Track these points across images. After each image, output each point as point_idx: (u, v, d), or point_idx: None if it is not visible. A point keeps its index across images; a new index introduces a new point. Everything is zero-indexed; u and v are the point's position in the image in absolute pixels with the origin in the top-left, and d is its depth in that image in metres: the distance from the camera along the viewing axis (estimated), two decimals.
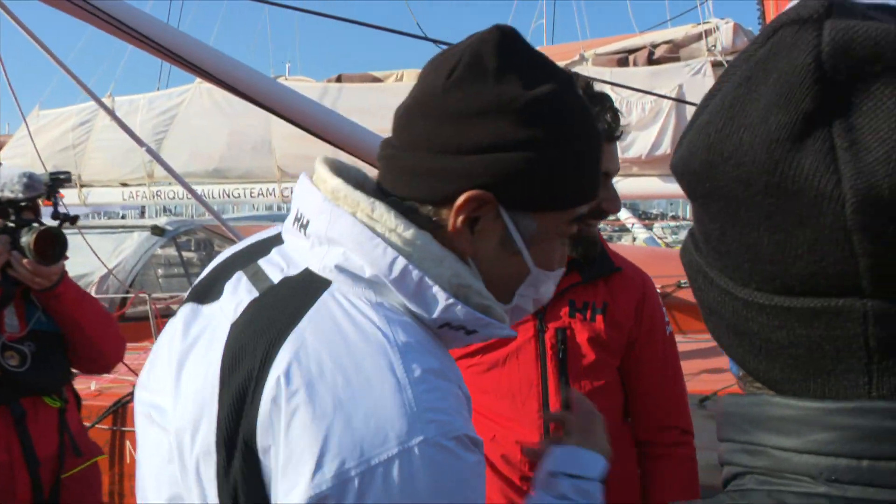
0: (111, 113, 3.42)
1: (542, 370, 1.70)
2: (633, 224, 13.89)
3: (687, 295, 5.52)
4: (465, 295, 0.91)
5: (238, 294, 0.92)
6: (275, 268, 0.93)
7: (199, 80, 8.42)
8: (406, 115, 0.96)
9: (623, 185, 7.72)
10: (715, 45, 7.77)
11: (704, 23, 8.24)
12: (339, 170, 0.98)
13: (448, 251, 0.92)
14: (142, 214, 13.50)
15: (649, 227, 16.52)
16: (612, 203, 1.69)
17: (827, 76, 0.47)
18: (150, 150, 3.09)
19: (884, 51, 0.46)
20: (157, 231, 6.22)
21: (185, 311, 0.97)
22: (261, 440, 0.81)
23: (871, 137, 0.46)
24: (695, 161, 0.54)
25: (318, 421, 0.78)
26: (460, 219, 0.92)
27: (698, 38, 7.99)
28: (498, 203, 0.92)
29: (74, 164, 9.58)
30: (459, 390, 0.88)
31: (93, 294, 5.45)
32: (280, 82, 3.84)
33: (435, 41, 4.31)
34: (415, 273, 0.87)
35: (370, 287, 0.88)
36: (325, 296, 0.87)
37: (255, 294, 0.91)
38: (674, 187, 7.86)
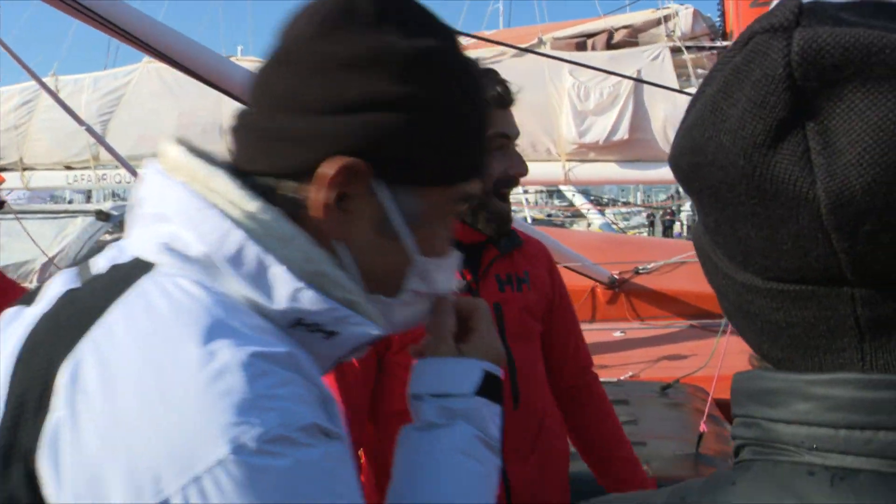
0: (49, 90, 3.25)
1: None
2: (588, 209, 14.02)
3: (645, 281, 5.52)
4: (321, 285, 0.76)
5: (57, 288, 0.78)
6: (106, 260, 0.79)
7: (147, 59, 8.22)
8: (263, 74, 0.81)
9: (580, 170, 7.73)
10: (674, 31, 7.83)
11: (664, 8, 8.30)
12: (186, 144, 0.84)
13: (300, 230, 0.76)
14: (88, 199, 13.15)
15: (601, 213, 16.73)
16: (519, 167, 1.69)
17: (797, 84, 0.48)
18: (90, 130, 2.93)
19: (853, 56, 0.47)
20: (101, 216, 6.06)
21: (7, 313, 0.81)
22: (43, 461, 0.65)
23: (843, 140, 0.47)
24: (683, 161, 0.57)
25: (123, 431, 0.64)
26: (324, 192, 0.76)
27: (657, 23, 8.05)
28: (372, 175, 0.78)
29: (16, 145, 9.28)
30: (315, 386, 0.71)
31: (34, 282, 5.32)
32: (232, 61, 3.71)
33: None
34: (253, 249, 0.73)
35: (203, 271, 0.73)
36: (144, 280, 0.72)
37: (76, 285, 0.77)
38: (631, 173, 7.90)
